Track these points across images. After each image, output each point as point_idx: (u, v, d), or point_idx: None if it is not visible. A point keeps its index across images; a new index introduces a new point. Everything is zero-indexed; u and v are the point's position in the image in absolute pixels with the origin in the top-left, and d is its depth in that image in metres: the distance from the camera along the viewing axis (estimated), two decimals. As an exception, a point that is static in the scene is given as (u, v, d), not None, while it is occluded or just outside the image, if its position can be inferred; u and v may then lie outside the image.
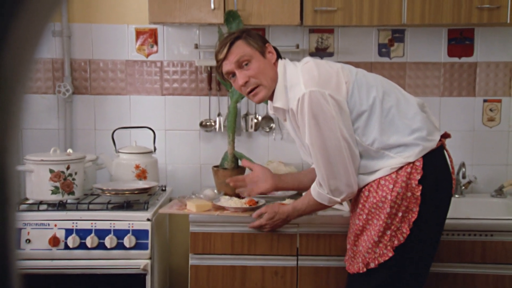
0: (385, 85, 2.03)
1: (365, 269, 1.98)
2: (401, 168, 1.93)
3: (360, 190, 2.04)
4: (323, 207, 2.11)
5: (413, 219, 1.93)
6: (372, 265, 1.97)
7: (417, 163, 1.93)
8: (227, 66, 2.06)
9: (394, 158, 1.94)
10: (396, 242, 1.95)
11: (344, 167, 1.95)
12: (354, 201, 2.12)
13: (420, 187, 1.93)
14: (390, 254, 1.94)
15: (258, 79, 2.02)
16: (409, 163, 1.93)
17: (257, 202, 2.43)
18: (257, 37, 2.09)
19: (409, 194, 1.93)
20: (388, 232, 1.95)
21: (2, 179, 0.48)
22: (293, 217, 2.24)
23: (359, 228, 2.03)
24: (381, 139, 1.95)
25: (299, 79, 1.97)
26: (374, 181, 1.99)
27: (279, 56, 2.13)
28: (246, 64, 2.03)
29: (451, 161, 2.05)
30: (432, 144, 1.96)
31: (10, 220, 0.49)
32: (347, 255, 2.12)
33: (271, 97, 2.07)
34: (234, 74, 2.07)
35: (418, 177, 1.93)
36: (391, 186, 1.95)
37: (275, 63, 2.08)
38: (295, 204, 2.21)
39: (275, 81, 2.04)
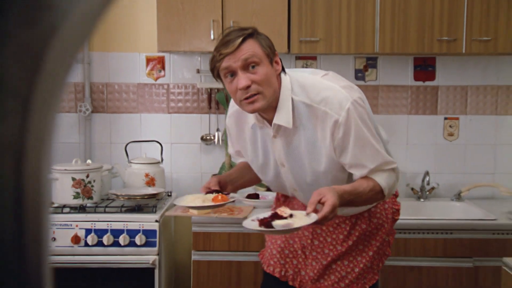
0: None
1: None
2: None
3: (341, 217, 1.73)
4: (379, 197, 1.62)
5: (392, 241, 1.81)
6: None
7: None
8: (230, 62, 1.52)
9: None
10: (381, 265, 1.80)
11: (380, 148, 1.60)
12: (335, 230, 1.76)
13: (399, 208, 1.82)
14: (377, 277, 1.78)
15: (262, 87, 1.53)
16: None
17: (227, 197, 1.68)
18: (268, 41, 1.60)
19: (392, 217, 1.81)
20: (377, 257, 1.78)
21: (42, 187, 0.48)
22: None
23: (340, 254, 1.74)
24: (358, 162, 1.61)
25: (333, 86, 1.59)
26: (366, 210, 1.75)
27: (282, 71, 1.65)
28: (253, 67, 1.53)
29: None
30: None
31: (46, 220, 0.49)
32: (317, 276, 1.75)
33: (265, 110, 1.59)
34: (233, 74, 1.54)
35: (397, 200, 1.82)
36: (384, 213, 1.77)
37: (278, 76, 1.60)
38: (349, 187, 1.56)
39: (276, 94, 1.57)
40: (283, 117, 1.58)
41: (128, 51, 2.97)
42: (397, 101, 2.97)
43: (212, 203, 1.59)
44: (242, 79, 1.52)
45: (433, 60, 2.94)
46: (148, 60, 2.98)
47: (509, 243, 2.43)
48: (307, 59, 2.95)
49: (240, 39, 1.53)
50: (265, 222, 1.45)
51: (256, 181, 1.87)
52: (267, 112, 1.60)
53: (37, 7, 0.44)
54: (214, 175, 2.69)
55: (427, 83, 2.96)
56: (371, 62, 2.95)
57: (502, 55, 2.78)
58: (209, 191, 1.65)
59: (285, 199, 1.87)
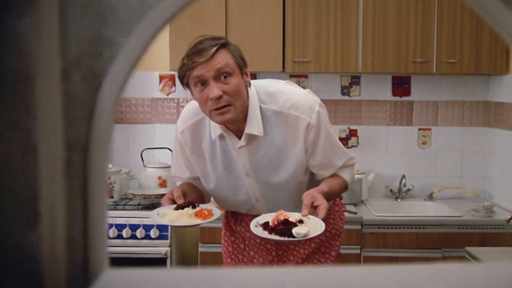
0: None
1: None
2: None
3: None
4: (343, 192, 1.61)
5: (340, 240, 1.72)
6: None
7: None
8: (203, 71, 1.37)
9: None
10: (338, 264, 1.71)
11: (343, 146, 1.61)
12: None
13: (345, 210, 1.76)
14: None
15: (233, 98, 1.40)
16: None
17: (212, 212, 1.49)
18: (240, 52, 1.46)
19: (342, 219, 1.72)
20: (338, 256, 1.68)
21: (103, 176, 0.56)
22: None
23: (303, 257, 1.63)
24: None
25: (299, 91, 1.54)
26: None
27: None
28: (225, 77, 1.39)
29: None
30: None
31: (105, 215, 0.56)
32: None
33: (232, 122, 1.46)
34: (204, 83, 1.39)
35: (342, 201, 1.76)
36: (337, 214, 1.68)
37: (246, 88, 1.48)
38: (326, 188, 1.49)
39: (245, 105, 1.45)
40: (254, 126, 1.46)
41: (144, 70, 3.02)
42: (377, 114, 3.05)
43: (200, 220, 1.41)
44: (214, 89, 1.37)
45: (409, 78, 3.04)
46: (161, 78, 3.04)
47: (472, 236, 2.55)
48: (299, 77, 3.04)
49: (214, 48, 1.38)
50: (280, 230, 1.29)
51: (199, 201, 1.59)
52: (234, 123, 1.47)
53: (102, 43, 0.55)
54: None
55: (404, 98, 3.05)
56: (355, 80, 3.04)
57: (468, 75, 2.92)
58: (181, 205, 1.44)
59: (235, 217, 1.75)
